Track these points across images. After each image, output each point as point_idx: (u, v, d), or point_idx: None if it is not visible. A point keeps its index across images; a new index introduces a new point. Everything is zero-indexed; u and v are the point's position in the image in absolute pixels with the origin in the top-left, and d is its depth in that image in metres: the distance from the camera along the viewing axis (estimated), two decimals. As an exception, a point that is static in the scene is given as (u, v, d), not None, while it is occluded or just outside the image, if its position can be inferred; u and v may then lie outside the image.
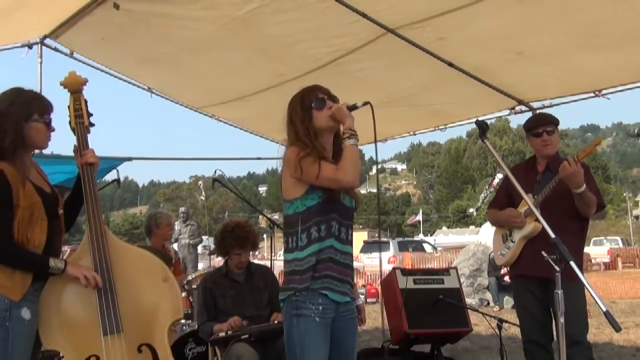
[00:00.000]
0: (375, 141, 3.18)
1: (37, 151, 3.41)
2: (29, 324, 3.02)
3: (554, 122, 4.44)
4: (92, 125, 3.42)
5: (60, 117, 3.26)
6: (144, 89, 6.95)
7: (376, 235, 44.03)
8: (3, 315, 2.96)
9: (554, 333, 3.66)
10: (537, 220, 4.12)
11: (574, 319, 3.85)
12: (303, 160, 2.93)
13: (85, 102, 3.39)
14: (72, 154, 3.41)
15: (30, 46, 6.11)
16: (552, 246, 2.88)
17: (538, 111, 6.09)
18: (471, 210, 20.07)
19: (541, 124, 4.42)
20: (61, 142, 3.92)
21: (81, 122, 3.34)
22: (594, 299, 2.73)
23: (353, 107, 3.04)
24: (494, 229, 4.77)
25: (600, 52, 5.12)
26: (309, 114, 3.05)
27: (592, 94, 5.68)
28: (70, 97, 3.39)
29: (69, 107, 3.37)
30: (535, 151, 4.50)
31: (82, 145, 3.33)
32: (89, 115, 3.40)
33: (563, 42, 5.05)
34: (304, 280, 2.92)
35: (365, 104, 3.05)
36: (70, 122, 3.35)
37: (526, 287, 4.36)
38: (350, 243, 3.10)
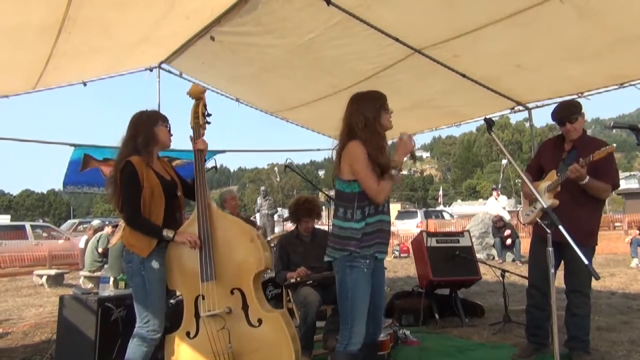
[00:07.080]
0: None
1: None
2: (159, 271, 3.12)
3: (576, 111, 4.00)
4: (208, 123, 3.43)
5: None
6: (232, 99, 7.03)
7: (407, 206, 43.60)
8: (139, 267, 3.08)
9: (560, 284, 3.49)
10: (556, 196, 3.92)
11: (580, 273, 3.73)
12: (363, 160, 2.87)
13: (204, 105, 3.42)
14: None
15: (151, 69, 6.30)
16: (545, 214, 2.78)
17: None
18: (493, 186, 19.43)
19: (564, 116, 3.99)
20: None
21: (197, 122, 3.37)
22: (578, 254, 2.62)
23: (413, 156, 3.05)
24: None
25: (581, 63, 4.91)
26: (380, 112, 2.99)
27: (576, 96, 5.44)
28: (193, 102, 3.43)
29: (191, 110, 3.42)
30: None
31: (196, 137, 3.37)
32: (207, 115, 3.42)
33: (551, 56, 4.87)
34: (358, 244, 2.89)
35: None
36: (190, 121, 3.39)
37: (542, 246, 4.19)
38: (389, 213, 3.08)
